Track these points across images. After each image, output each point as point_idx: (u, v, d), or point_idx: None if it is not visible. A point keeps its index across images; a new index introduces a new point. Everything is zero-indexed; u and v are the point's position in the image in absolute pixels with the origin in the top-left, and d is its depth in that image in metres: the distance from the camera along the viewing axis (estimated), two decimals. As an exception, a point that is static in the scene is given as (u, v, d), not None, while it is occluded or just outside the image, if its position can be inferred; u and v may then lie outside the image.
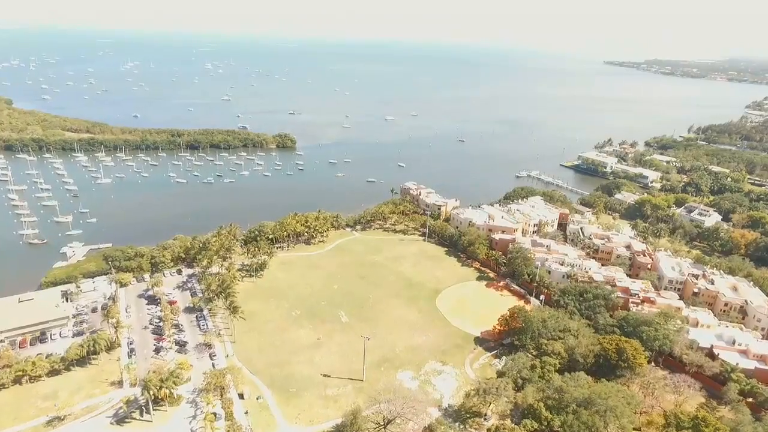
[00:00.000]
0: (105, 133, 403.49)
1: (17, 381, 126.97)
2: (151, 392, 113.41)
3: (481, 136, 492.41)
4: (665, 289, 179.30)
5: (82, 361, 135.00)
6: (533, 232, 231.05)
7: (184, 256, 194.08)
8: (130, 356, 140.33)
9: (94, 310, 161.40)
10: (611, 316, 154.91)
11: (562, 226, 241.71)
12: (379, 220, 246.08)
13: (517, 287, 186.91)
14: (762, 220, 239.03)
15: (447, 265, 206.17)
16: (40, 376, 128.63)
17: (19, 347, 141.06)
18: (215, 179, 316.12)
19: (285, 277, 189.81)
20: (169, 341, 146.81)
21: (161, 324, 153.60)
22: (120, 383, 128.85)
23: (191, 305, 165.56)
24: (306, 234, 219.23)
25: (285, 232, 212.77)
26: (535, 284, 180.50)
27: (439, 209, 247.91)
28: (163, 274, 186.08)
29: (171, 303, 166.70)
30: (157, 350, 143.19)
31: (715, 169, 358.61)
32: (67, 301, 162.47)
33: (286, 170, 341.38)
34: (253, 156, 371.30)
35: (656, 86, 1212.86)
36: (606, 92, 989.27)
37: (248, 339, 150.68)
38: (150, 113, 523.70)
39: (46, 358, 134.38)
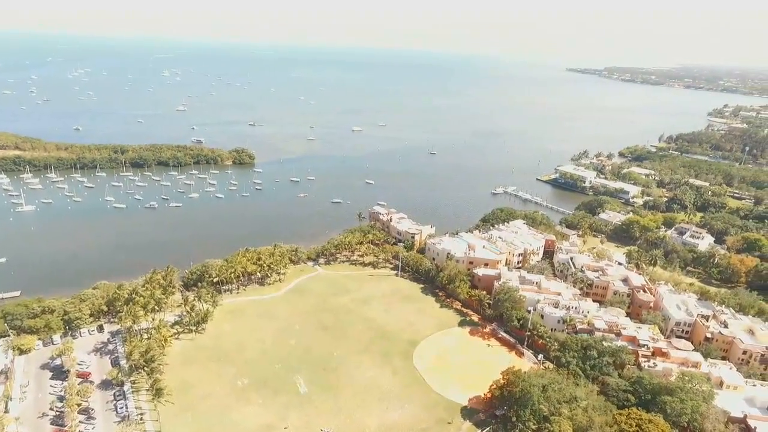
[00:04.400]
0: (36, 149, 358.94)
1: None
2: None
3: (453, 148, 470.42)
4: (672, 332, 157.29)
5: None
6: (518, 263, 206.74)
7: (106, 308, 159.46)
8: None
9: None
10: (621, 375, 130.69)
11: (548, 254, 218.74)
12: (346, 251, 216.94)
13: (505, 335, 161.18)
14: (758, 242, 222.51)
15: (424, 306, 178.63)
16: None
17: None
18: (160, 203, 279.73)
19: (232, 331, 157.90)
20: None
21: (64, 410, 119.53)
22: None
23: (109, 378, 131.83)
24: (259, 273, 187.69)
25: (234, 273, 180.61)
26: (528, 332, 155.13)
27: (413, 238, 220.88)
28: (79, 334, 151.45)
29: (82, 376, 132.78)
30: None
31: (696, 182, 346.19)
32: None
33: (242, 191, 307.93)
34: (206, 174, 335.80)
35: (620, 93, 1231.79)
36: (573, 100, 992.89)
37: (180, 426, 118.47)
38: (94, 126, 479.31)
39: None
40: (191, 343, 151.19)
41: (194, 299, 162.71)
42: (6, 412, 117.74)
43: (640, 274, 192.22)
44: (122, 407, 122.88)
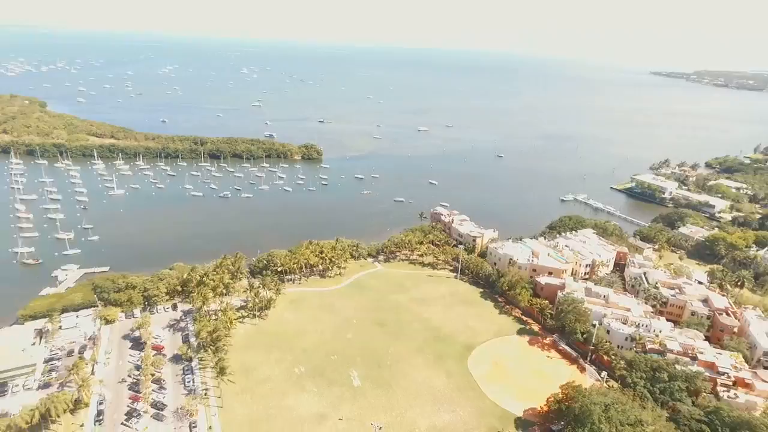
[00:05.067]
0: (128, 139, 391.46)
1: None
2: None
3: (521, 151, 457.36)
4: (759, 363, 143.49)
5: (37, 427, 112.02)
6: (585, 274, 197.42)
7: (180, 288, 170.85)
8: (96, 422, 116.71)
9: (70, 353, 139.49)
10: (695, 403, 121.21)
11: (619, 266, 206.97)
12: (406, 249, 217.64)
13: (567, 348, 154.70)
14: None
15: (482, 311, 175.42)
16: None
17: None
18: (233, 193, 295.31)
19: (292, 319, 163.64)
20: (145, 402, 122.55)
21: (140, 378, 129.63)
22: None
23: (180, 353, 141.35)
24: (321, 266, 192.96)
25: (297, 264, 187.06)
26: (592, 347, 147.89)
27: (474, 241, 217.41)
28: (156, 310, 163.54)
29: (157, 348, 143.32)
30: (129, 414, 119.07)
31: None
32: (41, 340, 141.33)
33: (309, 185, 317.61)
34: (276, 168, 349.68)
35: (710, 99, 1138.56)
36: (656, 105, 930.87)
37: (239, 405, 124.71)
38: (178, 119, 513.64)
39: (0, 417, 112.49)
40: (254, 327, 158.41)
41: (259, 286, 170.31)
42: (92, 374, 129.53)
43: (723, 295, 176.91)
44: (189, 381, 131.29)
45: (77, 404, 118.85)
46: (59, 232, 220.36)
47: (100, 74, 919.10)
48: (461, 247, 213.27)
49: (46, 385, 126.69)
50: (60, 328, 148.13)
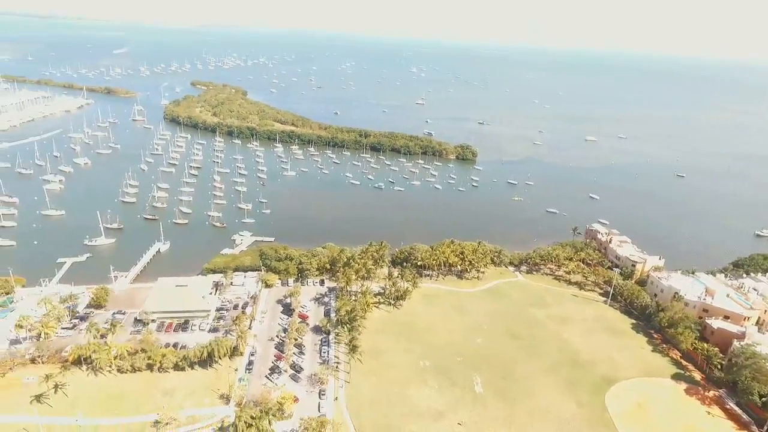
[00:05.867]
0: (305, 127, 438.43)
1: (150, 367, 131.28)
2: (239, 429, 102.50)
3: (709, 172, 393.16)
4: None
5: (204, 362, 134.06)
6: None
7: (329, 266, 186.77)
8: (247, 369, 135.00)
9: (235, 307, 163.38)
10: None
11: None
12: (551, 263, 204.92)
13: (737, 408, 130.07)
14: None
15: (631, 344, 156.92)
16: (167, 369, 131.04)
17: (165, 331, 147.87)
18: (386, 185, 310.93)
19: (425, 314, 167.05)
20: (287, 362, 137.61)
21: (285, 340, 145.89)
22: (227, 399, 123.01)
23: (320, 325, 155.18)
24: (460, 266, 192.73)
25: (436, 261, 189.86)
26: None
27: (634, 266, 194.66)
28: (306, 282, 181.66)
29: (302, 317, 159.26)
30: (273, 370, 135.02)
31: None
32: (216, 291, 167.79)
33: (459, 185, 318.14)
34: (430, 165, 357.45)
35: None
36: None
37: (364, 384, 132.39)
38: (349, 111, 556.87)
39: (180, 349, 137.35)
40: (388, 314, 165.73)
41: (398, 276, 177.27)
42: (249, 328, 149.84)
43: None
44: (325, 352, 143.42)
45: (234, 351, 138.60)
46: (241, 202, 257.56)
47: (291, 68, 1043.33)
48: (617, 270, 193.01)
49: (214, 330, 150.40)
50: (231, 284, 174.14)
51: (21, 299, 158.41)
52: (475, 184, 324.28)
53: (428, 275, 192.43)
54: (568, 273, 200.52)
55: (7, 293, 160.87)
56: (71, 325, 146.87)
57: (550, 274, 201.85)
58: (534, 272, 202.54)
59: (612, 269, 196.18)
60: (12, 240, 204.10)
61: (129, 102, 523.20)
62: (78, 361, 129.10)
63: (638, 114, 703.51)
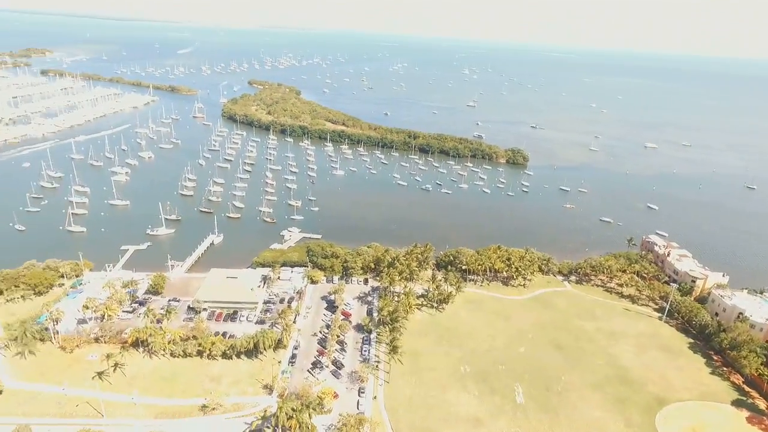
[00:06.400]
0: (355, 127, 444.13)
1: (200, 353, 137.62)
2: (280, 420, 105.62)
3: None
4: None
5: (250, 352, 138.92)
6: None
7: (373, 266, 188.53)
8: (290, 362, 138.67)
9: (281, 301, 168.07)
10: None
11: None
12: (603, 275, 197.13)
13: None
14: None
15: (687, 365, 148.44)
16: (215, 356, 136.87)
17: (215, 320, 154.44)
18: (434, 187, 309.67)
19: (467, 319, 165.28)
20: (328, 358, 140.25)
21: (328, 336, 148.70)
22: (270, 390, 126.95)
23: (362, 324, 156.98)
24: (505, 273, 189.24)
25: (482, 266, 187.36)
26: None
27: (694, 282, 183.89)
28: (350, 281, 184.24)
29: (345, 315, 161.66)
30: (314, 365, 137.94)
31: None
32: (264, 284, 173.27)
33: (509, 189, 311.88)
34: (479, 168, 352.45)
35: None
36: None
37: (403, 384, 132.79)
38: (399, 112, 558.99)
39: (228, 338, 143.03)
40: (430, 317, 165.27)
41: (441, 279, 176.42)
42: (294, 322, 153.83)
43: None
44: (366, 351, 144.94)
45: (279, 344, 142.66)
46: (291, 199, 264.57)
47: (343, 69, 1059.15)
48: (674, 285, 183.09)
49: (261, 322, 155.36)
50: (278, 278, 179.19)
51: (88, 282, 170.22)
52: (525, 189, 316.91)
53: (472, 280, 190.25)
54: (621, 285, 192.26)
55: (77, 276, 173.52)
56: (131, 309, 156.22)
57: (601, 286, 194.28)
58: (584, 283, 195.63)
59: (669, 284, 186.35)
60: (83, 227, 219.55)
61: (190, 99, 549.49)
62: (136, 343, 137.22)
63: (704, 120, 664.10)
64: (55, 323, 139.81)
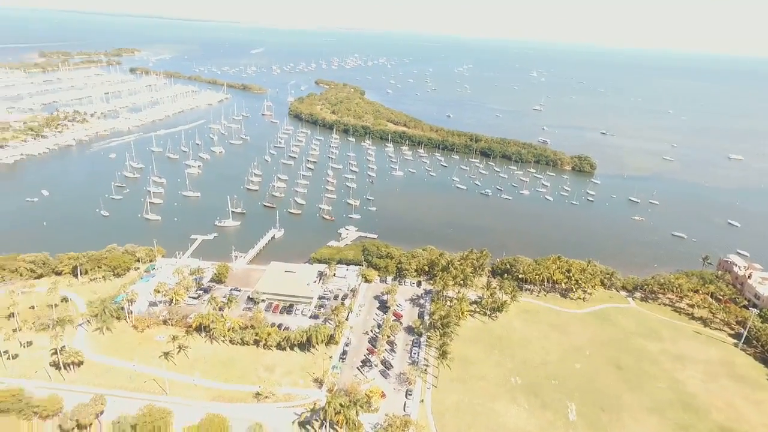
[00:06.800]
0: (416, 128, 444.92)
1: (256, 342, 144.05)
2: (328, 414, 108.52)
3: None
4: None
5: (303, 345, 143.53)
6: None
7: (427, 269, 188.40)
8: (341, 358, 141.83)
9: (335, 297, 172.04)
10: None
11: None
12: (672, 293, 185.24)
13: None
14: None
15: (764, 398, 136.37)
16: (270, 347, 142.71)
17: (272, 311, 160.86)
18: (493, 192, 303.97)
19: (521, 329, 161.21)
20: (378, 357, 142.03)
21: (378, 336, 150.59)
22: (320, 384, 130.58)
23: (413, 326, 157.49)
24: (564, 285, 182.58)
25: (539, 276, 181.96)
26: None
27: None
28: (404, 282, 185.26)
29: (396, 315, 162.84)
30: (364, 363, 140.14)
31: None
32: (320, 280, 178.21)
33: (573, 198, 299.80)
34: (542, 175, 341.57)
35: None
36: None
37: (450, 390, 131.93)
38: (462, 115, 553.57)
39: (283, 329, 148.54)
40: (482, 325, 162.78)
41: (496, 287, 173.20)
42: (347, 319, 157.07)
43: None
44: (415, 353, 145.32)
45: (331, 339, 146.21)
46: (350, 198, 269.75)
47: (407, 70, 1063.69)
48: (754, 310, 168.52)
49: (315, 316, 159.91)
50: (334, 275, 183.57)
51: (160, 267, 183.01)
52: (590, 198, 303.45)
53: (529, 290, 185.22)
54: (692, 306, 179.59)
55: (151, 261, 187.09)
56: (196, 296, 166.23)
57: (669, 305, 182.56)
58: (650, 300, 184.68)
59: (748, 308, 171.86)
60: (158, 215, 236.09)
61: (260, 98, 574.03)
62: (199, 328, 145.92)
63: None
64: (129, 304, 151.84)
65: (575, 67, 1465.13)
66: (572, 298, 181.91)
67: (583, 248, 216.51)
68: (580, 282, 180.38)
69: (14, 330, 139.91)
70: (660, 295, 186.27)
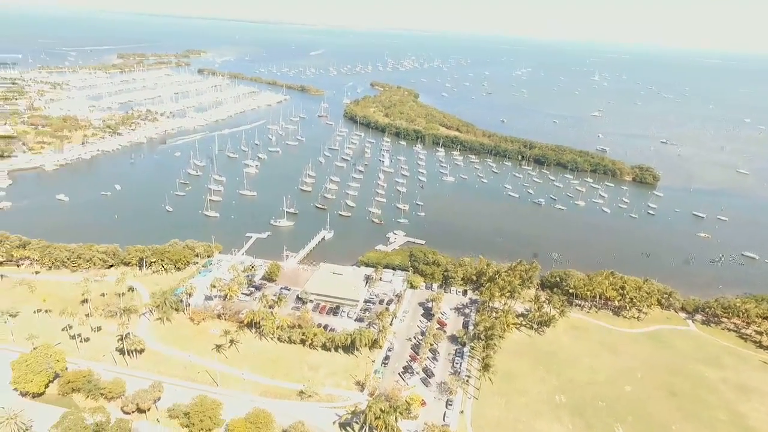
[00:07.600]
0: (469, 133, 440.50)
1: (302, 342, 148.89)
2: (368, 418, 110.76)
3: None
4: None
5: (347, 348, 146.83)
6: None
7: (474, 278, 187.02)
8: (383, 363, 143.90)
9: (381, 302, 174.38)
10: None
11: None
12: (738, 318, 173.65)
13: None
14: None
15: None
16: (316, 347, 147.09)
17: (319, 312, 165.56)
18: (547, 202, 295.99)
19: (569, 346, 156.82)
20: (420, 365, 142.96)
21: (421, 343, 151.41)
22: (362, 387, 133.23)
23: (457, 336, 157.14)
24: (617, 302, 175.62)
25: (591, 292, 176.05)
26: None
27: None
28: (449, 290, 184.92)
29: (440, 324, 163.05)
30: (406, 369, 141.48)
31: None
32: (366, 284, 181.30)
33: (632, 211, 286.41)
34: (599, 185, 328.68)
35: None
36: None
37: (491, 404, 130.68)
38: (517, 120, 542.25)
39: (329, 331, 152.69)
40: (528, 339, 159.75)
41: (545, 301, 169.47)
42: (390, 324, 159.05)
43: None
44: (458, 363, 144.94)
45: (374, 343, 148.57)
46: (400, 202, 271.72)
47: (464, 73, 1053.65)
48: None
49: (360, 320, 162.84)
50: (380, 279, 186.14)
51: (217, 263, 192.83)
52: (651, 211, 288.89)
53: (579, 305, 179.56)
54: (760, 333, 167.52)
55: (209, 256, 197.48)
56: (249, 292, 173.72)
57: (734, 331, 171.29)
58: (712, 324, 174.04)
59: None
60: (217, 212, 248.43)
61: (317, 99, 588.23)
62: (249, 324, 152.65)
63: None
64: (188, 297, 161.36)
65: (644, 71, 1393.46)
66: (625, 317, 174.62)
67: (640, 265, 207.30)
68: (634, 300, 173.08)
69: (87, 315, 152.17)
70: (724, 320, 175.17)
